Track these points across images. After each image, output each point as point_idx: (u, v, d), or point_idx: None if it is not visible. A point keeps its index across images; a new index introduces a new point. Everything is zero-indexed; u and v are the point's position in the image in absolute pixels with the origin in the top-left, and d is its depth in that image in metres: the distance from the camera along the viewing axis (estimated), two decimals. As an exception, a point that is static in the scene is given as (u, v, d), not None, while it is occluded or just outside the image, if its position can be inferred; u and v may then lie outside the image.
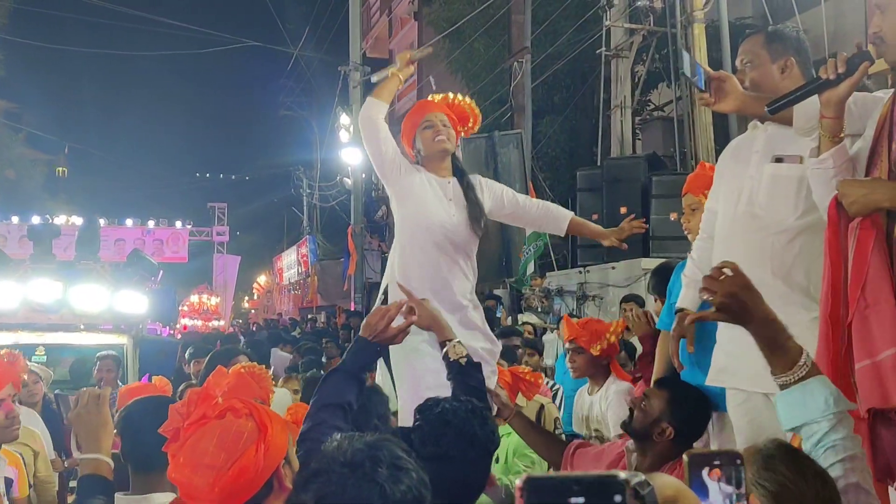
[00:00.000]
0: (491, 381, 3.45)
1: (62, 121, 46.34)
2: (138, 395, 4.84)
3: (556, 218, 3.68)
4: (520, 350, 6.03)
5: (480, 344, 3.48)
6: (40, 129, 34.25)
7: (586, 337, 4.13)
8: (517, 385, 4.19)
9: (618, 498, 0.79)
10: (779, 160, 2.78)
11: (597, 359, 4.15)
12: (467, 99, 3.70)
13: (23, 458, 4.38)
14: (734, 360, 2.82)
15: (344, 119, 17.97)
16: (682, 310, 3.09)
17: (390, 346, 3.39)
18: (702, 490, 1.52)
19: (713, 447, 3.09)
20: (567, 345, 4.24)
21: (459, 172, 3.54)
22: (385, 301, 3.43)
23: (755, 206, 2.78)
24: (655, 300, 4.01)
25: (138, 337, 8.36)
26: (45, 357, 7.52)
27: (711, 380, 2.91)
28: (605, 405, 4.13)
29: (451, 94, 3.70)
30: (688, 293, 3.12)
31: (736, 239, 2.85)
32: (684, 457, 1.53)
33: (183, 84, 65.87)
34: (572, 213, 3.72)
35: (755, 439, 2.82)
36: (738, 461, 1.54)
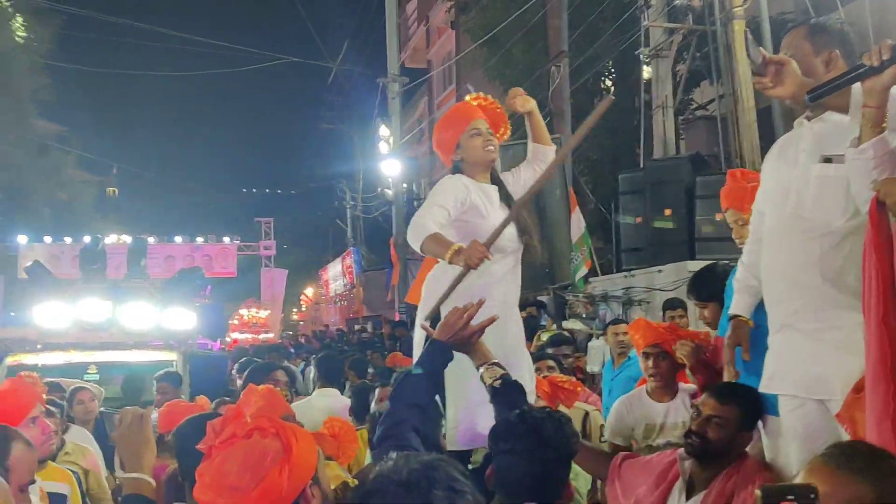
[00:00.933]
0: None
1: (111, 142, 47.47)
2: (177, 415, 4.89)
3: (536, 153, 3.60)
4: (570, 359, 5.93)
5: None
6: (90, 152, 35.09)
7: (674, 341, 3.89)
8: (556, 394, 4.12)
9: None
10: (827, 160, 2.69)
11: (679, 366, 3.96)
12: (499, 107, 3.63)
13: (76, 476, 4.44)
14: (786, 365, 2.75)
15: (383, 131, 18.07)
16: (735, 316, 3.00)
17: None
18: None
19: (767, 455, 3.00)
20: (648, 349, 4.01)
21: (497, 181, 3.49)
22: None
23: (802, 208, 2.70)
24: (698, 305, 3.83)
25: (188, 353, 8.49)
26: (98, 375, 7.66)
27: (764, 387, 2.84)
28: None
29: (482, 95, 3.64)
30: (741, 299, 3.03)
31: (783, 242, 2.76)
32: (757, 492, 1.48)
33: (227, 102, 67.12)
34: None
35: (810, 445, 2.73)
36: (812, 495, 1.48)
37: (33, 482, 2.26)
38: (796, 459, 2.78)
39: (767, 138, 10.76)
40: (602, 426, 4.49)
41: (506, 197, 3.44)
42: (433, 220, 3.20)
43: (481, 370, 2.74)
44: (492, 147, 3.39)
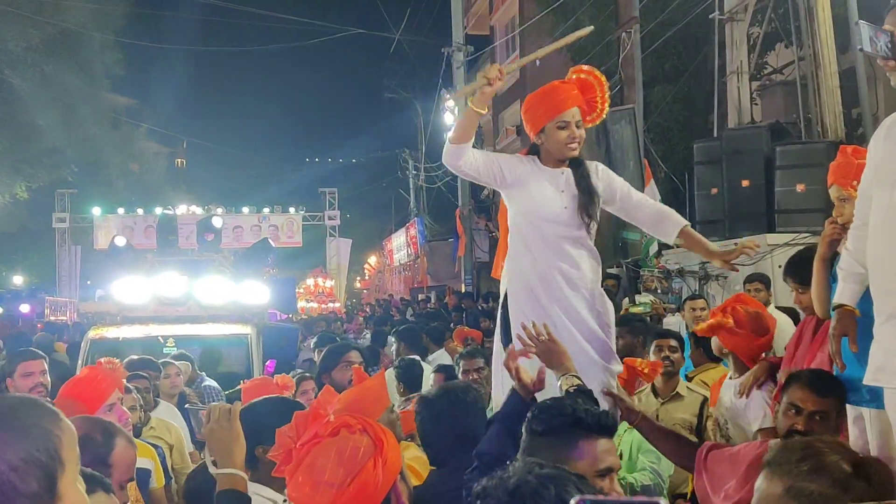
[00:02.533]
0: (612, 384, 3.38)
1: (179, 115, 48.31)
2: (260, 391, 4.94)
3: (668, 225, 3.48)
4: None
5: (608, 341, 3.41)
6: (159, 124, 35.84)
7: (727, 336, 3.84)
8: (634, 378, 4.03)
9: None
10: None
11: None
12: (601, 82, 3.47)
13: (158, 451, 4.54)
14: (894, 357, 2.61)
15: (449, 102, 17.90)
16: (840, 306, 2.86)
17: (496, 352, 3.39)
18: None
19: (873, 451, 2.87)
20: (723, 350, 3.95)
21: (576, 162, 3.42)
22: (505, 307, 3.41)
23: None
24: (793, 291, 3.66)
25: (261, 325, 8.62)
26: (175, 348, 7.81)
27: (869, 379, 2.70)
28: (744, 398, 3.88)
29: (585, 68, 3.48)
30: (847, 287, 2.88)
31: (891, 230, 2.61)
32: None
33: (291, 74, 67.65)
34: (687, 222, 3.52)
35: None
36: None
37: (132, 479, 2.28)
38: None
39: (850, 104, 10.32)
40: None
41: (581, 177, 3.39)
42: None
43: (560, 380, 2.86)
44: (574, 145, 3.34)
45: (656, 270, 8.90)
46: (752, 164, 8.90)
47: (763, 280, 7.21)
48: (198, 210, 26.87)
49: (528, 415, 2.11)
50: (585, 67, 3.50)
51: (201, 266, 9.43)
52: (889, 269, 2.62)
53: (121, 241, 10.65)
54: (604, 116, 3.52)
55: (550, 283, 3.32)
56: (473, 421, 2.75)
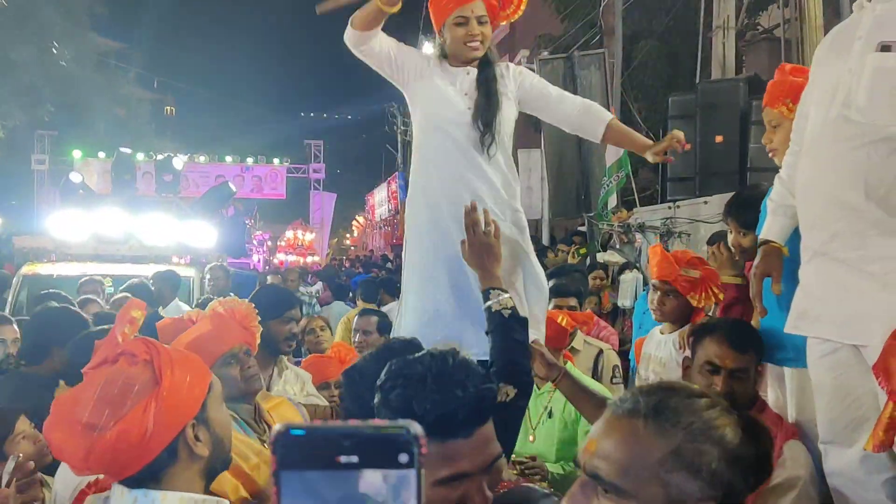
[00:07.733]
0: (538, 332, 2.95)
1: (166, 59, 47.49)
2: (174, 329, 4.55)
3: (593, 121, 3.04)
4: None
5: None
6: (147, 69, 35.10)
7: (687, 284, 3.43)
8: (564, 333, 3.67)
9: (403, 458, 0.60)
10: (885, 48, 2.16)
11: (690, 309, 3.48)
12: None
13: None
14: (819, 303, 2.26)
15: (427, 48, 17.37)
16: (767, 242, 2.50)
17: (409, 269, 2.97)
18: None
19: (791, 412, 2.54)
20: (656, 282, 3.54)
21: (484, 63, 3.00)
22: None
23: (851, 108, 2.18)
24: (732, 232, 3.26)
25: (214, 269, 8.26)
26: (112, 289, 7.46)
27: (790, 327, 2.35)
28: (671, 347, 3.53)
29: None
30: (775, 221, 2.52)
31: (824, 151, 2.25)
32: None
33: (281, 23, 66.51)
34: (613, 116, 3.08)
35: (840, 401, 2.27)
36: None
37: None
38: (823, 419, 2.32)
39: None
40: (616, 366, 4.05)
41: (485, 80, 2.96)
42: None
43: (492, 294, 2.29)
44: (475, 43, 2.93)
45: (616, 225, 8.51)
46: (727, 119, 8.45)
47: (727, 241, 6.86)
48: (184, 158, 26.36)
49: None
50: None
51: (148, 205, 9.03)
52: (816, 198, 2.26)
53: (76, 178, 10.20)
54: (521, 12, 3.09)
55: (456, 197, 2.85)
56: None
